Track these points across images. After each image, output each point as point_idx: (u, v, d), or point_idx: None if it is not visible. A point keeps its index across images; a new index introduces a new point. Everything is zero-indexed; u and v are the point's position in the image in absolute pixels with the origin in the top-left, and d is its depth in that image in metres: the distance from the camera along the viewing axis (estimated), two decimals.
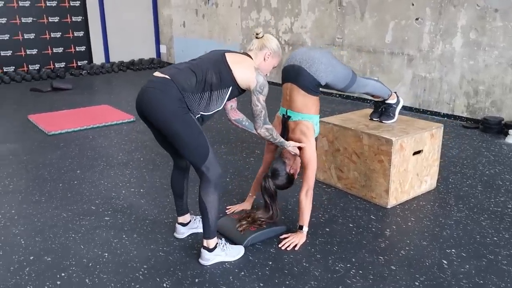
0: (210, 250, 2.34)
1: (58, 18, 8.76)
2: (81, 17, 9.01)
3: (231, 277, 2.24)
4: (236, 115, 2.56)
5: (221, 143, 4.33)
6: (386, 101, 3.13)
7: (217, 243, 2.36)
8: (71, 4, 8.85)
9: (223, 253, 2.37)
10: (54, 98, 6.54)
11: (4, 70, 8.36)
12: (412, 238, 2.59)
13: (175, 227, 2.64)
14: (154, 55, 10.10)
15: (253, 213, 2.65)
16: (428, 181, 3.21)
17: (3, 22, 8.18)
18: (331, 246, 2.52)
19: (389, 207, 2.97)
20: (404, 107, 5.55)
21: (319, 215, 2.89)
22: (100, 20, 9.28)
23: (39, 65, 8.67)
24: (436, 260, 2.37)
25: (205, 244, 2.34)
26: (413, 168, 3.04)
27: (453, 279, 2.21)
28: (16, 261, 2.40)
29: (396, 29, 5.49)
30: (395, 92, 3.17)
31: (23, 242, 2.60)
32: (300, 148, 2.53)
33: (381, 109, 3.20)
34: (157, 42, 10.09)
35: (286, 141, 2.51)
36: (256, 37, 2.38)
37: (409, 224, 2.76)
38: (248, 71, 2.24)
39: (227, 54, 2.26)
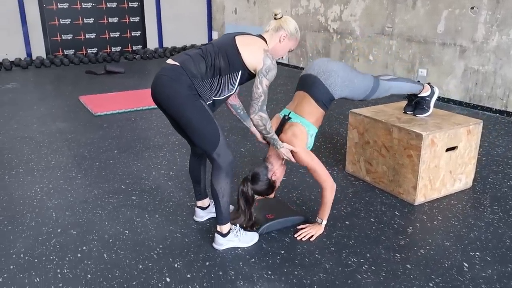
0: (224, 235, 2.37)
1: (116, 3, 9.08)
2: (137, 3, 9.30)
3: (241, 263, 2.26)
4: (233, 100, 2.52)
5: (236, 129, 4.34)
6: (419, 95, 2.99)
7: (230, 229, 2.39)
8: None
9: (236, 239, 2.39)
10: (106, 81, 6.83)
11: (65, 52, 8.82)
12: (434, 238, 2.48)
13: (194, 211, 2.70)
14: (206, 41, 10.25)
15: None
16: (463, 180, 3.05)
17: (65, 7, 8.61)
18: (348, 240, 2.46)
19: (416, 204, 2.86)
20: (453, 101, 5.29)
21: (341, 207, 2.83)
22: (156, 6, 9.54)
23: (96, 49, 9.07)
24: (457, 262, 2.26)
25: (218, 229, 2.37)
26: (445, 165, 2.90)
27: (472, 283, 2.10)
28: (45, 233, 2.56)
29: (449, 18, 5.20)
30: (429, 83, 3.02)
31: (54, 215, 2.76)
32: (294, 155, 2.42)
33: (415, 103, 3.06)
34: (209, 28, 10.22)
35: (280, 141, 2.39)
36: (275, 18, 2.34)
37: (435, 223, 2.64)
38: (256, 53, 2.18)
39: (237, 37, 2.23)
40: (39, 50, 8.63)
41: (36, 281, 2.13)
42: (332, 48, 6.96)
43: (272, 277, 2.15)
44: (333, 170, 3.42)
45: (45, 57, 8.56)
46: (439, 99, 5.46)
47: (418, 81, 3.02)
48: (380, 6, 6.03)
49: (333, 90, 2.49)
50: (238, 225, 2.46)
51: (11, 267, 2.24)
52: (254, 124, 2.27)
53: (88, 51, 9.00)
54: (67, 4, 8.61)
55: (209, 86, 2.20)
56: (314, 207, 2.83)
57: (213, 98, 2.25)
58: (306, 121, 2.48)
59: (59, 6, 8.55)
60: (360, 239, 2.48)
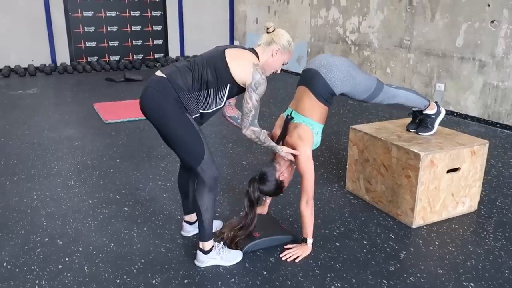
0: (206, 253, 2.31)
1: (139, 12, 9.24)
2: (160, 12, 9.43)
3: (219, 282, 2.20)
4: (231, 112, 2.48)
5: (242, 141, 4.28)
6: (424, 111, 2.87)
7: (213, 246, 2.33)
8: None
9: (218, 256, 2.33)
10: (124, 88, 6.92)
11: (88, 59, 9.01)
12: (428, 265, 2.35)
13: (182, 225, 2.65)
14: None
15: (230, 224, 2.55)
16: (466, 203, 2.89)
17: (90, 15, 8.81)
18: (335, 263, 2.36)
19: (414, 227, 2.73)
20: (471, 117, 5.10)
21: (334, 227, 2.73)
22: (178, 15, 9.64)
23: (119, 56, 9.23)
24: None
25: (200, 246, 2.32)
26: (447, 187, 2.76)
27: None
28: (32, 241, 2.56)
29: (469, 32, 5.02)
30: (436, 102, 2.89)
31: (45, 224, 2.77)
32: (295, 156, 2.38)
33: (419, 120, 2.94)
34: (231, 37, 10.25)
35: (278, 146, 2.37)
36: (267, 32, 2.28)
37: (431, 248, 2.51)
38: (245, 67, 2.13)
39: (227, 50, 2.18)
40: (63, 56, 8.84)
41: None
42: (350, 60, 6.83)
43: None
44: (333, 187, 3.32)
45: (69, 64, 8.76)
46: (456, 115, 5.26)
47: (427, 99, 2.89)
48: (398, 18, 5.89)
49: (334, 84, 2.41)
50: (222, 242, 2.41)
51: None
52: (248, 138, 2.24)
53: (111, 59, 9.17)
54: (92, 13, 8.81)
55: (196, 99, 2.16)
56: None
57: (201, 111, 2.21)
58: (309, 120, 2.42)
59: (84, 14, 8.77)
60: (348, 262, 2.37)
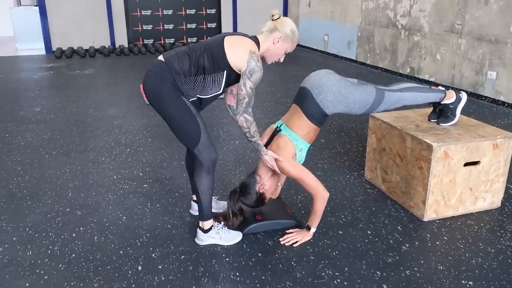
0: (205, 231, 2.39)
1: None
2: None
3: (214, 261, 2.28)
4: (232, 101, 2.49)
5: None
6: (442, 102, 2.73)
7: (212, 226, 2.41)
8: None
9: (217, 236, 2.41)
10: None
11: (145, 42, 9.37)
12: (428, 259, 2.27)
13: (190, 204, 2.75)
14: None
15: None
16: (488, 199, 2.74)
17: None
18: (332, 251, 2.35)
19: (425, 220, 2.64)
20: None
21: (341, 215, 2.71)
22: None
23: (173, 39, 9.51)
24: None
25: (200, 224, 2.40)
26: (464, 181, 2.63)
27: None
28: (55, 211, 2.78)
29: None
30: (456, 89, 2.74)
31: (70, 195, 2.99)
32: (278, 164, 2.34)
33: (439, 110, 2.81)
34: None
35: (264, 148, 2.34)
36: (272, 19, 2.27)
37: (437, 243, 2.42)
38: (240, 54, 2.14)
39: (227, 37, 2.20)
40: (122, 39, 9.27)
41: (28, 254, 2.34)
42: (400, 45, 6.57)
43: (238, 279, 2.14)
44: (351, 175, 3.27)
45: (126, 46, 9.17)
46: (507, 105, 4.92)
47: (441, 87, 2.75)
48: (451, 1, 5.56)
49: (324, 106, 2.36)
50: (222, 223, 2.48)
51: (14, 239, 2.48)
52: (239, 126, 2.25)
53: (166, 41, 9.47)
54: None
55: (192, 83, 2.21)
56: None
57: (198, 96, 2.26)
58: (294, 135, 2.40)
59: None
60: (346, 251, 2.35)
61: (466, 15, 5.35)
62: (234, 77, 2.23)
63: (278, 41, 2.25)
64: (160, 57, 2.25)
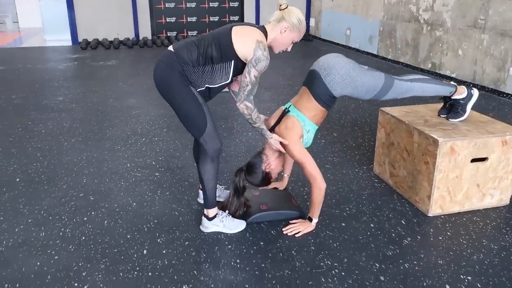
0: (209, 219, 2.46)
1: None
2: None
3: (216, 248, 2.34)
4: (236, 88, 2.53)
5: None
6: (452, 97, 2.71)
7: (217, 214, 2.47)
8: None
9: (221, 224, 2.47)
10: None
11: (168, 34, 9.50)
12: (429, 253, 2.28)
13: (198, 192, 2.82)
14: None
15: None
16: (496, 196, 2.72)
17: None
18: (333, 242, 2.39)
19: (430, 215, 2.63)
20: None
21: (346, 208, 2.73)
22: None
23: (196, 32, 9.60)
24: (439, 283, 2.06)
25: (205, 212, 2.47)
26: (471, 177, 2.61)
27: None
28: (69, 195, 2.90)
29: None
30: (468, 85, 2.71)
31: (85, 181, 3.10)
32: (285, 147, 2.39)
33: (449, 105, 2.79)
34: (308, 15, 10.14)
35: (268, 132, 2.39)
36: (279, 9, 2.31)
37: (440, 238, 2.42)
38: (247, 43, 2.18)
39: (234, 27, 2.25)
40: (146, 31, 9.42)
41: (41, 235, 2.45)
42: (421, 40, 6.48)
43: (238, 265, 2.19)
44: (360, 169, 3.28)
45: (149, 38, 9.31)
46: None
47: (452, 82, 2.73)
48: None
49: (332, 87, 2.39)
50: (227, 211, 2.53)
51: (29, 220, 2.60)
52: (240, 113, 2.31)
53: (189, 34, 9.57)
54: None
55: (201, 73, 2.27)
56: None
57: (207, 85, 2.32)
58: (302, 116, 2.43)
59: None
60: (346, 243, 2.38)
61: (490, 10, 5.24)
62: (242, 67, 2.27)
63: (285, 31, 2.28)
64: (170, 48, 2.32)
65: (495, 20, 5.18)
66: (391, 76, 2.50)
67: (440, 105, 3.01)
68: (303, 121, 2.43)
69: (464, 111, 2.74)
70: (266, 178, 2.51)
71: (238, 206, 2.51)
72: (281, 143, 2.41)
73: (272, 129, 2.48)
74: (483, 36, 5.38)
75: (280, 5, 2.31)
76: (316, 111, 2.44)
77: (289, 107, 2.50)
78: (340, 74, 2.37)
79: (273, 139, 2.40)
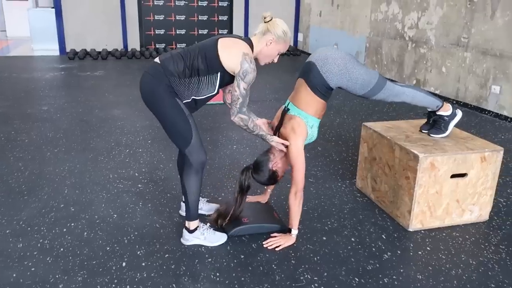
0: (190, 231, 2.45)
1: (207, 2, 9.57)
2: (227, 3, 9.69)
3: (196, 261, 2.32)
4: (229, 99, 2.55)
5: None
6: (437, 112, 2.75)
7: (198, 226, 2.46)
8: None
9: (202, 236, 2.46)
10: None
11: (156, 46, 9.52)
12: (408, 268, 2.29)
13: (180, 205, 2.81)
14: (291, 43, 10.30)
15: (218, 209, 2.65)
16: (475, 211, 2.75)
17: (160, 4, 9.30)
18: (314, 256, 2.39)
19: (410, 230, 2.65)
20: None
21: (328, 222, 2.74)
22: (244, 6, 9.83)
23: (185, 44, 9.63)
24: None
25: (186, 224, 2.46)
26: (451, 192, 2.64)
27: None
28: (50, 206, 2.86)
29: None
30: (453, 104, 2.76)
31: (66, 192, 3.07)
32: (286, 147, 2.43)
33: (433, 121, 2.83)
34: (296, 30, 10.26)
35: (268, 135, 2.42)
36: (264, 21, 2.33)
37: (419, 253, 2.44)
38: (234, 56, 2.20)
39: (220, 39, 2.27)
40: (135, 43, 9.42)
41: (18, 246, 2.41)
42: (406, 57, 6.58)
43: (218, 279, 2.18)
44: (343, 183, 3.30)
45: (138, 50, 9.32)
46: (510, 120, 4.90)
47: (441, 98, 2.77)
48: (457, 14, 5.57)
49: (328, 77, 2.41)
50: (208, 224, 2.53)
51: (7, 231, 2.56)
52: (237, 125, 2.33)
53: (177, 46, 9.60)
54: (162, 2, 9.28)
55: (187, 85, 2.27)
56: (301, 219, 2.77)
57: (193, 97, 2.32)
58: (304, 113, 2.45)
59: (155, 3, 9.26)
60: (327, 257, 2.38)
61: (472, 28, 5.35)
62: (229, 78, 2.30)
63: (271, 43, 2.31)
64: (156, 59, 2.33)
65: (477, 38, 5.30)
66: (384, 77, 2.56)
67: (422, 121, 3.05)
68: (305, 118, 2.45)
69: (446, 129, 2.78)
70: (273, 177, 2.52)
71: (241, 204, 2.52)
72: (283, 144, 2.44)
73: (276, 130, 2.50)
74: (466, 54, 5.48)
75: (265, 18, 2.34)
76: (316, 104, 2.46)
77: (288, 105, 2.52)
78: (336, 64, 2.40)
79: (274, 142, 2.43)
